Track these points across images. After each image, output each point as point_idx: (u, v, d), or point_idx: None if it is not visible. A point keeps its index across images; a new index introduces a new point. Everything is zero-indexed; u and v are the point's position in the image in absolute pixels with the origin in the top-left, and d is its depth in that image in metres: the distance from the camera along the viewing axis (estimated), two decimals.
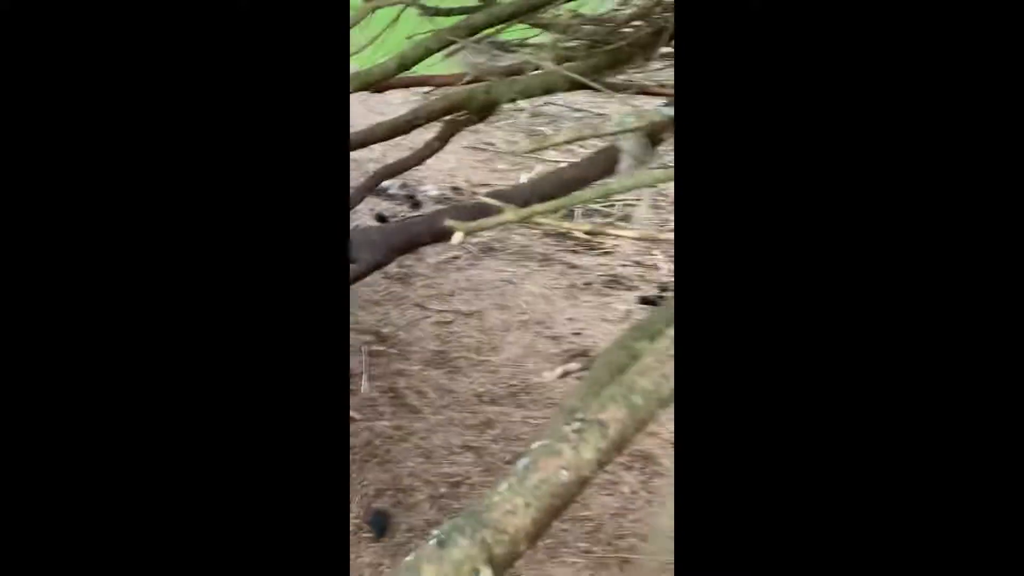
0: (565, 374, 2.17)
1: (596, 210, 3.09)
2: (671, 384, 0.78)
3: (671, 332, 0.81)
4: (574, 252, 2.86)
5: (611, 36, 1.76)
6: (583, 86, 1.70)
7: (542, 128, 3.77)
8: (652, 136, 1.60)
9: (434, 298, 2.51)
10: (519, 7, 1.69)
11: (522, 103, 3.67)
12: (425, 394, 2.06)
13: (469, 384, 2.12)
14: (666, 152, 1.68)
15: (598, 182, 1.71)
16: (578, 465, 0.72)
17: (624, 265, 2.78)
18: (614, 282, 2.68)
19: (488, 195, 1.71)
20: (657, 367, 0.80)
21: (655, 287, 2.62)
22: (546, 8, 1.70)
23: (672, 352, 0.79)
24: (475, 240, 2.83)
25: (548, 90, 1.80)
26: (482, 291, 2.58)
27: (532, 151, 3.09)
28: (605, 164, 1.74)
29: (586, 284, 2.66)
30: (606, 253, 2.86)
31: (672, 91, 1.87)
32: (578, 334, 2.38)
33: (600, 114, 3.69)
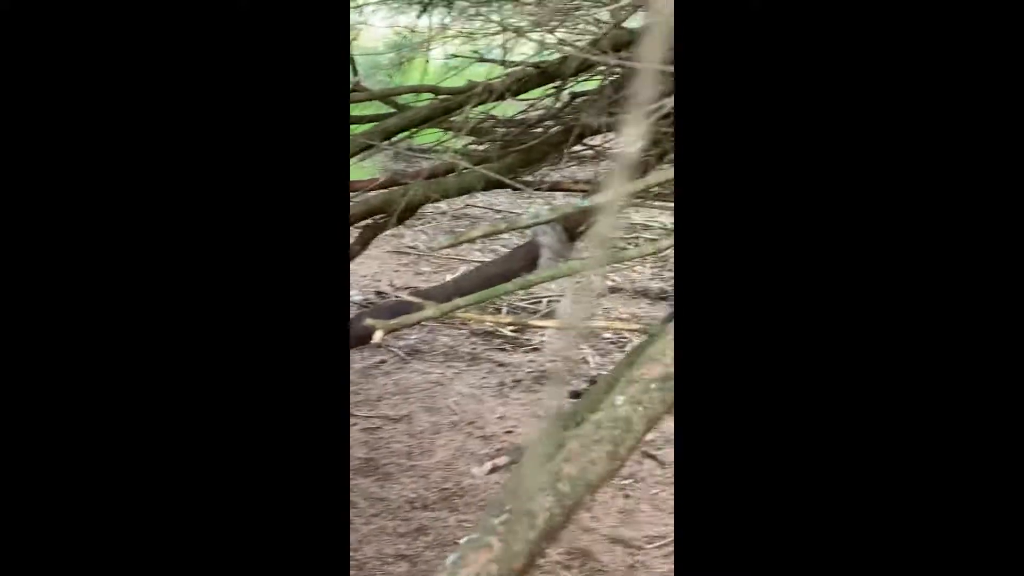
0: (494, 469, 2.13)
1: (522, 308, 3.11)
2: (598, 469, 0.77)
3: (595, 417, 0.81)
4: (502, 350, 2.86)
5: (523, 136, 1.81)
6: (500, 185, 1.73)
7: (464, 229, 3.81)
8: (570, 229, 1.63)
9: (361, 404, 2.46)
10: (432, 111, 1.73)
11: (443, 206, 3.71)
12: (355, 504, 1.99)
13: (400, 491, 2.06)
14: (583, 245, 1.71)
15: (520, 277, 1.72)
16: (508, 558, 0.70)
17: (553, 361, 2.79)
18: (544, 378, 2.68)
19: (410, 294, 1.71)
20: (582, 453, 0.79)
21: (585, 381, 2.62)
22: (459, 112, 1.74)
23: (597, 437, 0.79)
24: (401, 343, 2.81)
25: (465, 190, 1.83)
26: (410, 394, 2.54)
27: (449, 247, 3.11)
28: (526, 259, 1.76)
29: (516, 381, 2.65)
30: (534, 350, 2.86)
31: (585, 187, 1.92)
32: (510, 432, 2.36)
33: (521, 213, 3.76)
